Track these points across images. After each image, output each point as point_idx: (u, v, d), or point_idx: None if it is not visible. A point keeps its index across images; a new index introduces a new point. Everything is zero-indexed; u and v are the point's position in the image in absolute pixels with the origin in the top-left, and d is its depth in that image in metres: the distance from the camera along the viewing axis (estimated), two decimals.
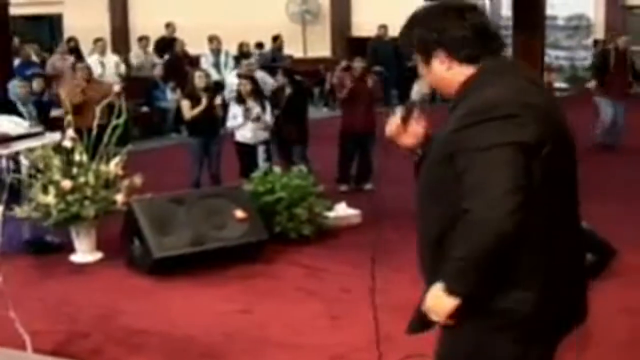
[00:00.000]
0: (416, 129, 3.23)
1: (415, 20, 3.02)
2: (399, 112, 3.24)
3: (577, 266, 3.02)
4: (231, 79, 14.37)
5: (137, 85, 16.45)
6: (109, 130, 7.97)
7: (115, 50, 19.75)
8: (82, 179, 7.68)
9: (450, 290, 2.81)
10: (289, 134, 10.43)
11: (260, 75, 12.47)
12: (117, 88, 10.59)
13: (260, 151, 10.78)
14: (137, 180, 7.98)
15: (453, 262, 2.78)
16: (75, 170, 7.74)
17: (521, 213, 2.66)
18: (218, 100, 10.52)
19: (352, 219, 8.97)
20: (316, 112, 16.84)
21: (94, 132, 8.02)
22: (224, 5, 21.09)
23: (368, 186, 11.04)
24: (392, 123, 3.23)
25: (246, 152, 10.61)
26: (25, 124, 8.01)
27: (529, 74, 3.06)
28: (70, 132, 7.72)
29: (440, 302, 2.85)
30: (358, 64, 11.27)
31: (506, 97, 2.79)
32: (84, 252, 7.97)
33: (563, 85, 19.93)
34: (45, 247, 8.21)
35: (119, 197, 7.78)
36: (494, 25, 3.06)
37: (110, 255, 8.00)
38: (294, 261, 7.86)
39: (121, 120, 8.02)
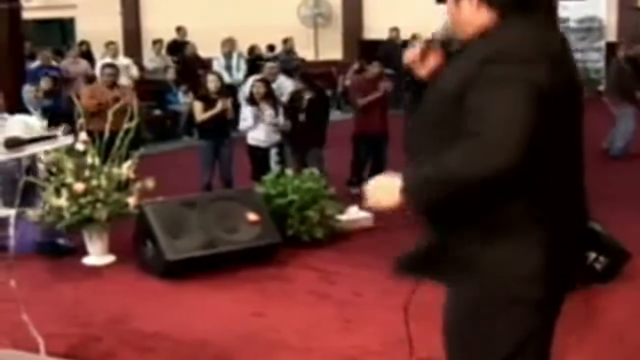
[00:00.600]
0: (431, 64, 3.23)
1: None
2: (419, 44, 3.26)
3: (579, 228, 2.99)
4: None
5: (149, 88, 16.52)
6: (121, 134, 7.97)
7: (128, 53, 19.82)
8: (94, 182, 7.69)
9: (408, 188, 2.74)
10: (308, 138, 10.39)
11: (281, 79, 12.43)
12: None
13: (273, 154, 10.80)
14: (150, 183, 7.99)
15: (431, 166, 2.71)
16: (87, 173, 7.75)
17: (526, 147, 2.59)
18: (228, 104, 10.51)
19: (364, 222, 8.95)
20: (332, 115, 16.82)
21: (107, 135, 8.05)
22: (236, 8, 21.17)
23: None
24: (412, 52, 3.25)
25: (258, 154, 10.62)
26: (39, 126, 8.11)
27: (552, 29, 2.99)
28: (83, 135, 7.73)
29: (389, 191, 2.80)
30: (374, 68, 11.34)
31: (522, 42, 2.77)
32: (97, 255, 7.98)
33: None
34: (58, 250, 8.23)
35: (131, 200, 7.79)
36: None
37: (123, 258, 8.00)
38: (306, 264, 7.85)
39: (133, 124, 8.03)
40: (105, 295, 7.24)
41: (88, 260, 7.99)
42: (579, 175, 2.97)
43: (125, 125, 8.07)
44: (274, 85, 11.49)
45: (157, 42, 18.37)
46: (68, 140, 5.55)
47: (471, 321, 2.93)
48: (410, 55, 3.25)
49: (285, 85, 12.30)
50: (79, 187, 7.59)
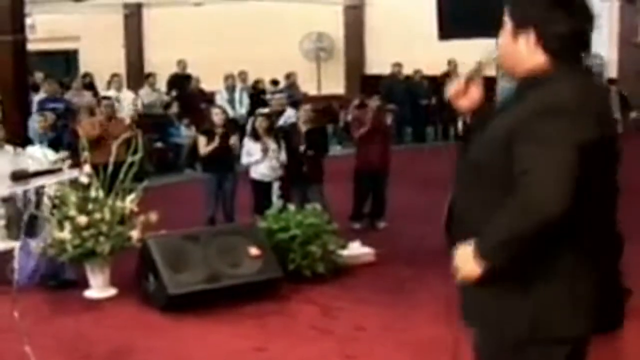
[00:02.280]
0: (474, 94, 3.26)
1: None
2: (464, 74, 3.27)
3: (613, 272, 3.10)
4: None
5: (151, 121, 16.57)
6: (124, 167, 8.00)
7: (130, 86, 19.87)
8: (97, 215, 7.71)
9: (483, 257, 2.88)
10: (308, 171, 10.41)
11: (289, 112, 12.46)
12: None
13: (275, 187, 10.82)
14: (153, 216, 8.01)
15: (495, 231, 2.85)
16: (90, 206, 7.77)
17: (571, 201, 2.73)
18: (233, 140, 10.53)
19: (366, 257, 8.97)
20: (330, 150, 16.84)
21: (110, 168, 8.08)
22: (239, 42, 21.26)
23: (382, 224, 11.06)
24: (456, 83, 3.27)
25: (262, 189, 10.63)
26: (50, 158, 8.16)
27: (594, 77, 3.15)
28: (86, 168, 7.75)
29: (469, 265, 2.92)
30: (374, 102, 11.37)
31: (572, 96, 2.83)
32: (99, 288, 7.98)
33: None
34: (61, 283, 8.22)
35: (134, 234, 7.80)
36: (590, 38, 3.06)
37: (125, 291, 8.00)
38: (308, 299, 7.85)
39: (137, 157, 8.07)
40: (106, 328, 7.23)
41: (90, 293, 7.99)
42: (614, 218, 3.08)
43: (130, 158, 8.10)
44: (281, 118, 11.53)
45: (149, 76, 18.34)
46: (73, 173, 5.61)
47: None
48: (452, 90, 3.28)
49: (292, 118, 12.35)
50: (82, 220, 7.60)
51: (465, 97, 3.25)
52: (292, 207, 8.76)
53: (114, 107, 11.80)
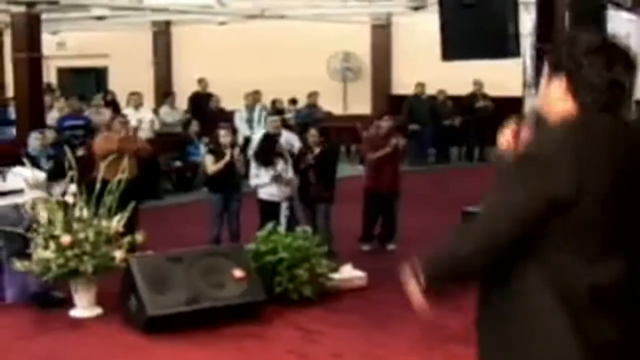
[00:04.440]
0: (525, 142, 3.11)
1: (575, 39, 2.85)
2: (511, 125, 3.15)
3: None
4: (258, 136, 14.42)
5: (170, 140, 16.62)
6: (109, 186, 8.01)
7: (159, 104, 19.89)
8: (81, 235, 7.71)
9: (425, 273, 2.85)
10: (318, 192, 10.35)
11: (286, 135, 12.42)
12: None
13: (283, 207, 10.75)
14: (139, 237, 8.01)
15: (438, 250, 2.87)
16: (75, 225, 7.77)
17: (487, 259, 2.72)
18: (236, 153, 10.51)
19: (357, 281, 8.86)
20: (351, 170, 16.82)
21: (122, 185, 8.11)
22: (264, 61, 21.29)
23: (391, 246, 10.94)
24: (505, 136, 3.15)
25: (270, 209, 10.56)
26: (35, 179, 8.20)
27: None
28: (72, 187, 7.77)
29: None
30: (385, 122, 11.23)
31: (557, 139, 2.72)
32: (83, 307, 7.97)
33: None
34: (50, 301, 8.24)
35: (118, 254, 7.78)
36: (630, 89, 2.84)
37: (110, 311, 7.98)
38: (290, 323, 7.76)
39: (125, 175, 8.07)
40: (85, 347, 7.24)
41: (74, 313, 7.98)
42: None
43: (118, 176, 8.11)
44: (282, 139, 11.48)
45: (169, 95, 18.33)
46: (38, 193, 5.60)
47: None
48: (503, 140, 3.14)
49: (288, 140, 12.30)
50: (66, 239, 7.61)
51: (517, 145, 3.09)
52: (281, 229, 8.67)
53: (127, 125, 11.67)
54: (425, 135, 19.08)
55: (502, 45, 9.45)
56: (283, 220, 10.43)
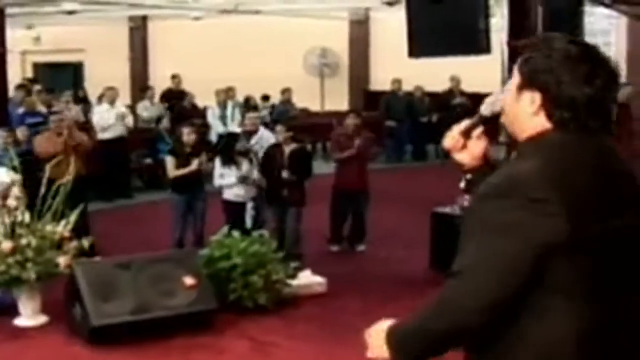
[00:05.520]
0: (475, 148, 2.76)
1: (550, 46, 2.45)
2: (464, 123, 2.77)
3: None
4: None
5: (142, 136, 16.28)
6: (54, 188, 7.66)
7: (135, 100, 19.57)
8: (24, 241, 7.37)
9: (390, 344, 2.50)
10: (288, 195, 9.97)
11: (263, 132, 12.05)
12: None
13: (249, 208, 10.40)
14: (86, 243, 7.67)
15: (412, 321, 2.49)
16: (19, 230, 7.43)
17: (490, 315, 2.31)
18: (204, 161, 10.16)
19: (316, 288, 8.52)
20: (328, 168, 16.48)
21: (69, 186, 7.76)
22: (240, 57, 21.03)
23: (361, 247, 10.64)
24: (453, 133, 2.76)
25: (235, 210, 10.24)
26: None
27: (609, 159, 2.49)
28: (15, 191, 7.44)
29: (379, 348, 2.54)
30: (351, 120, 10.92)
31: (543, 173, 2.32)
32: (28, 316, 7.63)
33: None
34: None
35: (62, 260, 7.43)
36: (612, 104, 2.48)
37: (56, 320, 7.63)
38: (242, 333, 7.41)
39: (70, 178, 7.72)
40: (27, 359, 6.90)
41: (19, 322, 7.64)
42: None
43: (65, 179, 7.76)
44: (254, 138, 11.13)
45: (147, 90, 18.00)
46: None
47: None
48: (449, 141, 2.79)
49: (266, 138, 11.94)
50: (7, 246, 7.27)
51: (465, 150, 2.77)
52: (236, 234, 8.31)
53: (63, 122, 11.01)
54: (402, 132, 18.80)
55: (473, 41, 9.13)
56: (249, 220, 10.12)
